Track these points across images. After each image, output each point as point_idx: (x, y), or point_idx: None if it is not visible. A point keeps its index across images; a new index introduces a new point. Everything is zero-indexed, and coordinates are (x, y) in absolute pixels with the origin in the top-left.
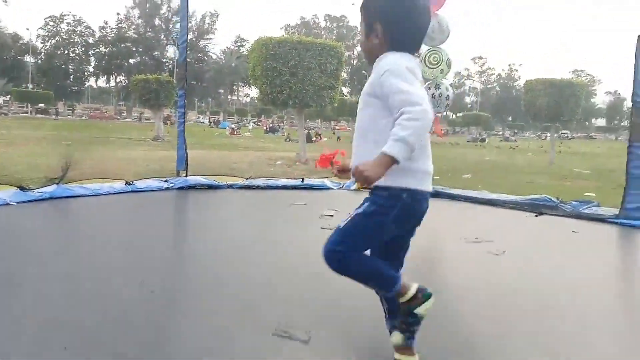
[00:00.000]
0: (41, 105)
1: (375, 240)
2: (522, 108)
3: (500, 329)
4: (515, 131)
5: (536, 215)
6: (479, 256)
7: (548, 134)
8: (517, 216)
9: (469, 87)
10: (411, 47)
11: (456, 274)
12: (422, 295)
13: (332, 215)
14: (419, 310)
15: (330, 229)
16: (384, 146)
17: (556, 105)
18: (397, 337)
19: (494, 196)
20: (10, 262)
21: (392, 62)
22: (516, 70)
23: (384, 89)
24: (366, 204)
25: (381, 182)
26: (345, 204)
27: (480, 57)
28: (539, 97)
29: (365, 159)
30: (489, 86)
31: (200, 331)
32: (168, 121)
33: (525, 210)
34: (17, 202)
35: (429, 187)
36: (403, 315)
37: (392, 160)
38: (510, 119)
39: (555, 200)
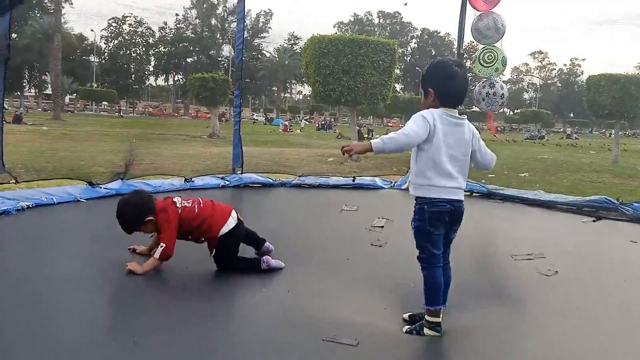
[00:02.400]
0: (105, 103)
1: (431, 241)
2: (584, 105)
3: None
4: (577, 128)
5: (594, 220)
6: (527, 276)
7: (612, 132)
8: (574, 221)
9: (528, 82)
10: (454, 104)
11: (504, 299)
12: (437, 329)
13: (382, 226)
14: (426, 332)
15: (380, 245)
16: (416, 168)
17: (620, 101)
18: (405, 327)
19: (549, 197)
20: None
21: (419, 114)
22: (579, 65)
23: None
24: (414, 217)
25: (414, 194)
26: (396, 207)
27: (540, 52)
28: (602, 94)
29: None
30: (549, 82)
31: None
32: (223, 118)
33: (582, 214)
34: (87, 199)
35: (449, 196)
36: (421, 322)
37: (368, 147)
38: (571, 115)
39: (615, 201)
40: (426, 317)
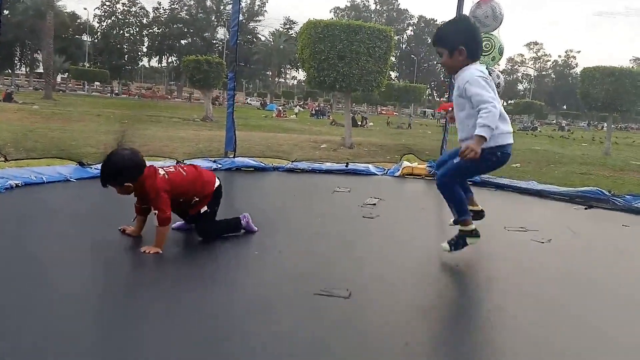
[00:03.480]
0: (97, 83)
1: (468, 176)
2: (578, 97)
3: (545, 315)
4: (570, 120)
5: (585, 208)
6: (522, 244)
7: (605, 124)
8: (566, 208)
9: (523, 73)
10: (479, 56)
11: (498, 261)
12: (474, 233)
13: (374, 204)
14: (469, 240)
15: (372, 217)
16: (474, 126)
17: (614, 94)
18: (445, 245)
19: (542, 187)
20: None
21: (469, 75)
22: (574, 57)
23: (467, 94)
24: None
25: (489, 145)
26: (388, 190)
27: (536, 43)
28: (596, 86)
29: (468, 134)
30: (543, 73)
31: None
32: (217, 102)
33: (574, 203)
34: (77, 179)
35: (512, 140)
36: (457, 237)
37: (483, 139)
38: (564, 107)
39: (607, 193)
40: (461, 228)
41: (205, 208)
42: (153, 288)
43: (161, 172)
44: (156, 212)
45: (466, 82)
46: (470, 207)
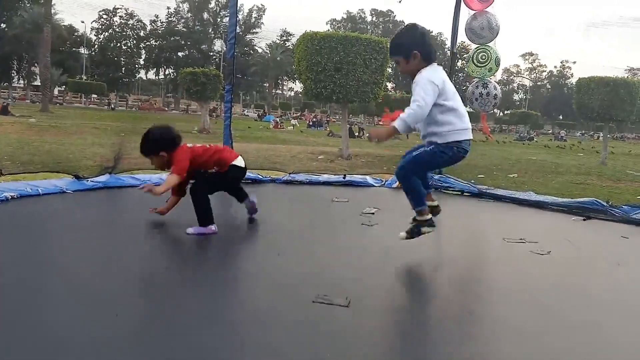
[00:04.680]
0: (94, 96)
1: (429, 168)
2: (574, 107)
3: (543, 325)
4: (567, 130)
5: (584, 219)
6: (522, 256)
7: (601, 134)
8: (564, 219)
9: (518, 84)
10: (434, 59)
11: (498, 272)
12: (429, 223)
13: (373, 213)
14: (424, 229)
15: (370, 225)
16: (428, 124)
17: (609, 104)
18: (402, 234)
19: (539, 198)
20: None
21: (420, 77)
22: (569, 68)
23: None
24: (430, 147)
25: (444, 141)
26: (386, 201)
27: (531, 54)
28: (592, 96)
29: (425, 131)
30: (539, 83)
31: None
32: (214, 113)
33: (572, 214)
34: (73, 191)
35: (470, 136)
36: (413, 226)
37: (395, 130)
38: (560, 117)
39: (605, 204)
40: (417, 218)
41: (214, 171)
42: (146, 295)
43: (189, 144)
44: (173, 166)
45: (415, 83)
46: (428, 202)
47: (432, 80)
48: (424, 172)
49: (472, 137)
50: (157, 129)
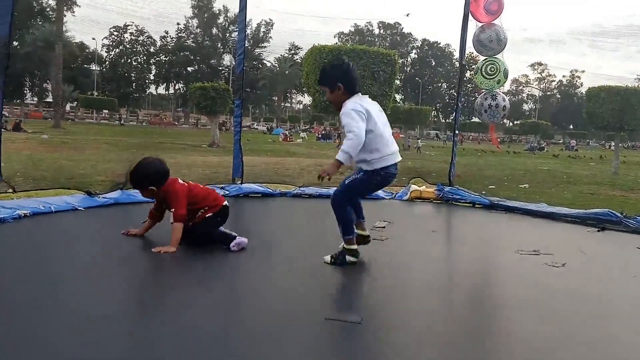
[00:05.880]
0: (105, 111)
1: (361, 194)
2: (584, 116)
3: (563, 339)
4: (578, 140)
5: (598, 231)
6: (536, 268)
7: (612, 143)
8: (578, 230)
9: (528, 94)
10: (358, 90)
11: (513, 285)
12: (354, 254)
13: (384, 227)
14: (348, 258)
15: (382, 240)
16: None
17: (620, 113)
18: (327, 258)
19: (552, 209)
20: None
21: (345, 108)
22: (578, 77)
23: (342, 123)
24: (361, 174)
25: (371, 168)
26: (397, 214)
27: (540, 64)
28: (602, 105)
29: (357, 157)
30: (548, 93)
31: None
32: (223, 127)
33: (586, 225)
34: (85, 208)
35: (398, 159)
36: (339, 252)
37: (339, 163)
38: (571, 127)
39: (619, 215)
40: (345, 246)
41: (211, 214)
42: (156, 314)
43: (181, 181)
44: (173, 210)
45: (342, 113)
46: (359, 231)
47: (355, 108)
48: (356, 198)
49: (399, 159)
50: (147, 165)
